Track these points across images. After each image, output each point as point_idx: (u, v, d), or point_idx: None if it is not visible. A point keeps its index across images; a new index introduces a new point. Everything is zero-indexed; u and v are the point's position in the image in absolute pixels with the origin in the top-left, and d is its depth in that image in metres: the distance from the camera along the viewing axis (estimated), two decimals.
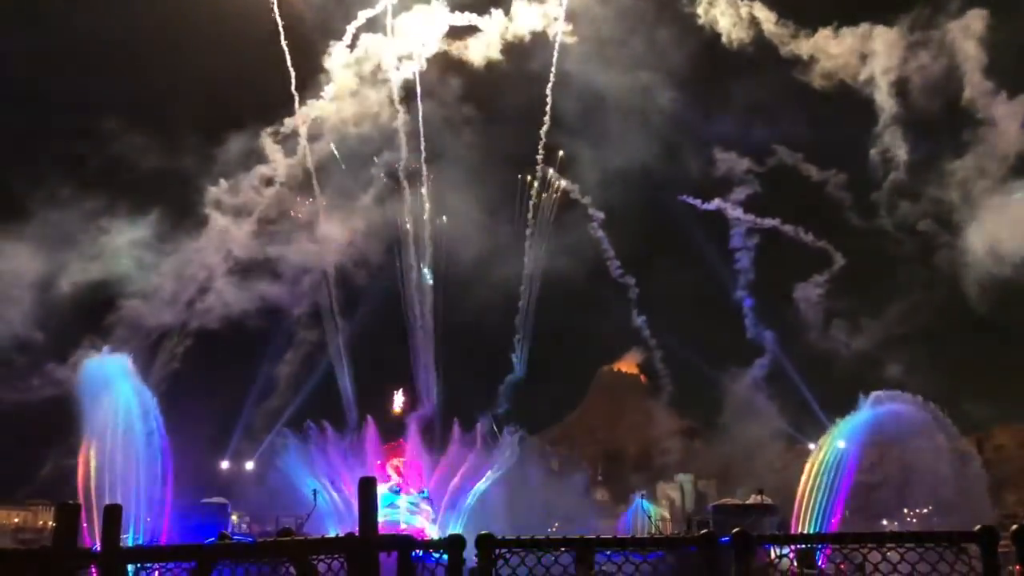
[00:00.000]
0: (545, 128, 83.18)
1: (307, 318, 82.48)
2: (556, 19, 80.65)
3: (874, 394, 53.66)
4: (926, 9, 72.51)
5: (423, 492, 67.33)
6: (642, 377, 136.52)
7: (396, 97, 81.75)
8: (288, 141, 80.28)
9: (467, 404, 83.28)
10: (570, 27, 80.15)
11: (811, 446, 56.22)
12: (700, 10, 77.52)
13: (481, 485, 66.99)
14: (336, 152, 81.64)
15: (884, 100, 73.15)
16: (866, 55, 73.43)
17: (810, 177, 78.95)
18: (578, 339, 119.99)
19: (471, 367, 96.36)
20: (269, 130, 79.15)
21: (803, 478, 54.90)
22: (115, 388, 49.04)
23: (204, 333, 75.70)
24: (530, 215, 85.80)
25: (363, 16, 78.86)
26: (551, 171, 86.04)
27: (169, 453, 49.17)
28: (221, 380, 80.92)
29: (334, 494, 62.79)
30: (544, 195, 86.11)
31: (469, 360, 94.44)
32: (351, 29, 78.92)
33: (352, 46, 79.32)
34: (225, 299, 75.02)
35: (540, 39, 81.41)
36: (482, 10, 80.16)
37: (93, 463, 46.74)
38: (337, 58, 78.97)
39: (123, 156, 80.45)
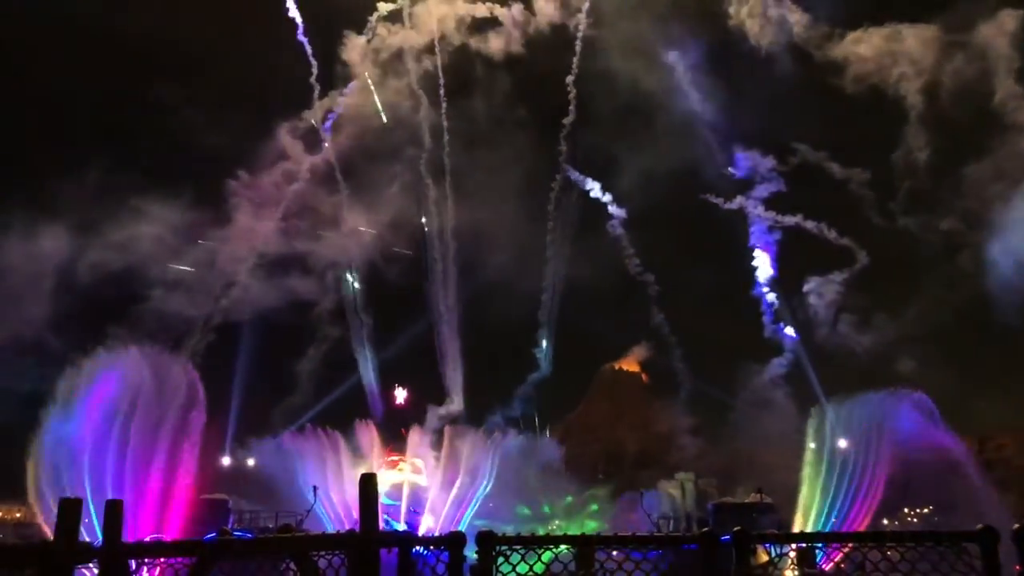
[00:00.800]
0: (569, 119, 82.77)
1: (329, 314, 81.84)
2: (579, 11, 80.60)
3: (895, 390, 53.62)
4: (959, 10, 71.98)
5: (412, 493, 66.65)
6: (644, 376, 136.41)
7: (416, 88, 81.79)
8: (310, 135, 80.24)
9: (489, 401, 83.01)
10: (592, 20, 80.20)
11: (811, 446, 56.00)
12: (731, 9, 77.50)
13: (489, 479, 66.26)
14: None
15: (912, 100, 72.77)
16: (895, 55, 73.06)
17: (833, 175, 78.45)
18: (595, 337, 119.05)
19: (493, 364, 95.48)
20: (287, 125, 79.13)
21: (804, 459, 54.80)
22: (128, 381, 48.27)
23: (223, 327, 75.40)
24: (551, 207, 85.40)
25: (384, 8, 79.21)
26: (571, 168, 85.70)
27: (197, 445, 48.48)
28: (236, 374, 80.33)
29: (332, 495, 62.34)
30: (565, 192, 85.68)
31: (491, 357, 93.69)
32: (372, 21, 79.28)
33: (371, 38, 79.74)
34: (249, 293, 74.67)
35: (563, 34, 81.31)
36: (504, 1, 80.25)
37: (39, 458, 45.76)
38: (357, 51, 79.34)
39: (131, 149, 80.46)
